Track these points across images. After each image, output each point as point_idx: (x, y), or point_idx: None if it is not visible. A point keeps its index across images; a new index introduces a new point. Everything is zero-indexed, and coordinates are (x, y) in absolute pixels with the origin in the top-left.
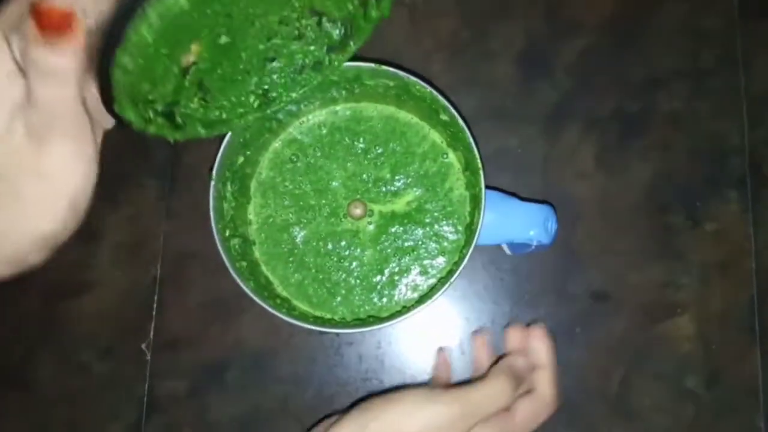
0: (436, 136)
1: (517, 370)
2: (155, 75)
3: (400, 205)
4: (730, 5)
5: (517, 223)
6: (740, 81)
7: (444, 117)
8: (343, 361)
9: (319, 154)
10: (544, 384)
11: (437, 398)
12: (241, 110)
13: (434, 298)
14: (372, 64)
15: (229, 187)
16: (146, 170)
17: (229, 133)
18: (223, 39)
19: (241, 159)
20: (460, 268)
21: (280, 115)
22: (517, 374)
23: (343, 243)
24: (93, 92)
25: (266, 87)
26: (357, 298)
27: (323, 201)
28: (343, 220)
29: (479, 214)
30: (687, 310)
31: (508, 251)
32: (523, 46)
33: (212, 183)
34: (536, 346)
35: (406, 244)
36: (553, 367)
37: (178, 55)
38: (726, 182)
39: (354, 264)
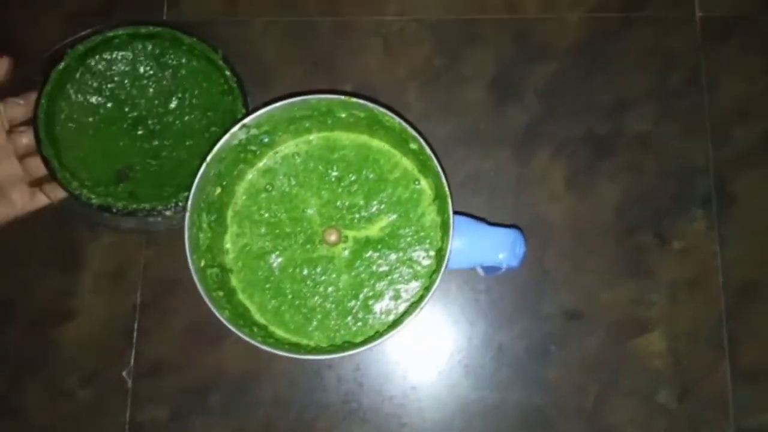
0: (407, 164)
1: None
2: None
3: (373, 230)
4: (693, 28)
5: (486, 247)
6: (706, 101)
7: (413, 146)
8: (323, 384)
9: (293, 182)
10: None
11: None
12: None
13: (405, 323)
14: (342, 96)
15: (205, 218)
16: None
17: (204, 165)
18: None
19: (218, 190)
20: (430, 294)
21: (254, 147)
22: None
23: (318, 269)
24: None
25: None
26: (333, 322)
27: (298, 228)
28: (318, 246)
29: (448, 240)
30: (657, 326)
31: (481, 273)
32: (494, 71)
33: (187, 214)
34: None
35: (380, 269)
36: None
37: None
38: (692, 201)
39: (330, 289)
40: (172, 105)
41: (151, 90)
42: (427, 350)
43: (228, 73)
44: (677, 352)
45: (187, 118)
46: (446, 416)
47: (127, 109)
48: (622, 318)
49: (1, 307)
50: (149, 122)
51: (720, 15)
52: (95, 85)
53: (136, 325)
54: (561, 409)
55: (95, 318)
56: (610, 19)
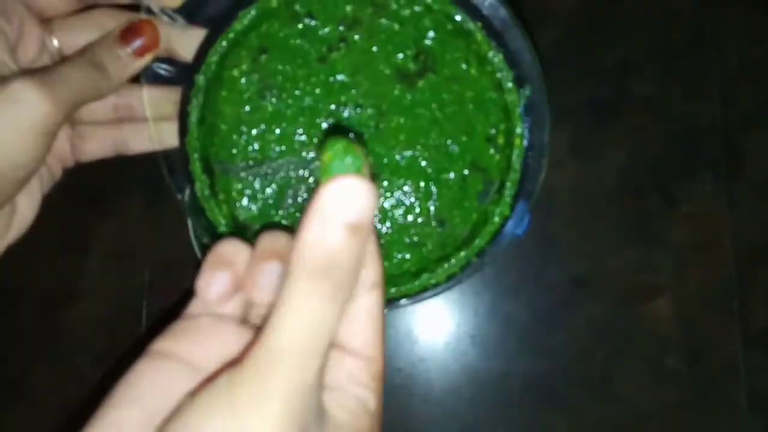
0: None
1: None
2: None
3: None
4: None
5: None
6: (712, 62)
7: None
8: None
9: None
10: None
11: None
12: None
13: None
14: None
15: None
16: (132, 179)
17: None
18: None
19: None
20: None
21: None
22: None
23: None
24: None
25: None
26: None
27: None
28: None
29: None
30: (666, 291)
31: None
32: None
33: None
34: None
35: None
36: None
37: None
38: (701, 163)
39: None
40: None
41: None
42: (434, 322)
43: None
44: (686, 316)
45: None
46: (454, 386)
47: None
48: (629, 284)
49: (9, 290)
50: None
51: None
52: None
53: (144, 303)
54: (568, 377)
55: (104, 298)
56: None
